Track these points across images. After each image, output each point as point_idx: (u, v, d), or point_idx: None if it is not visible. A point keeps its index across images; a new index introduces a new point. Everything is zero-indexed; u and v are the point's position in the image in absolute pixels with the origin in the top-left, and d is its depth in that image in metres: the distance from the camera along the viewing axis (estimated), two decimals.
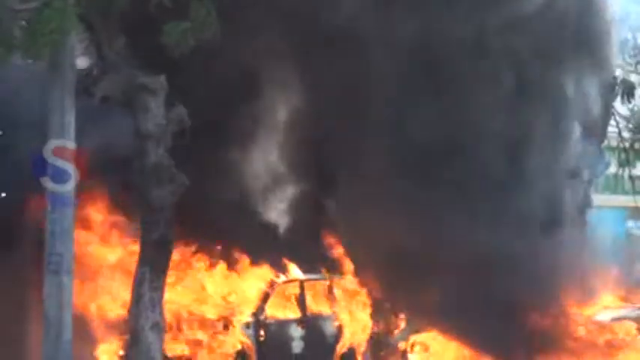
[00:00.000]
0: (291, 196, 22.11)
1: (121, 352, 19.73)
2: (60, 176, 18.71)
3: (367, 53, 20.47)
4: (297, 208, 22.03)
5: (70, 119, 17.99)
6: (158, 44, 17.88)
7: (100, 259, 20.59)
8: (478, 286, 20.63)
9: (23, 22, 16.60)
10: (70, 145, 18.51)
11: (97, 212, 20.71)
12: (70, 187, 18.92)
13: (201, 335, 19.98)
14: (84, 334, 19.69)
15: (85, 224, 20.36)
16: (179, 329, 19.93)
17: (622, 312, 22.63)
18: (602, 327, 22.15)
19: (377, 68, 20.58)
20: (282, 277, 20.86)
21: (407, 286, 21.77)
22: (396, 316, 22.39)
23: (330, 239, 22.22)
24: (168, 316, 19.37)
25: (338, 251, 22.06)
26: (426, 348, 22.30)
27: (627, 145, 26.18)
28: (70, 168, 18.58)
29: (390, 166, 20.76)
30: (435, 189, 20.56)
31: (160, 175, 19.01)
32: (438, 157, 20.65)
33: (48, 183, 18.83)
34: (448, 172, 20.67)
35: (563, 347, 21.84)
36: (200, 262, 20.80)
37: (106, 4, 17.40)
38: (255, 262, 20.83)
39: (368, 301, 21.86)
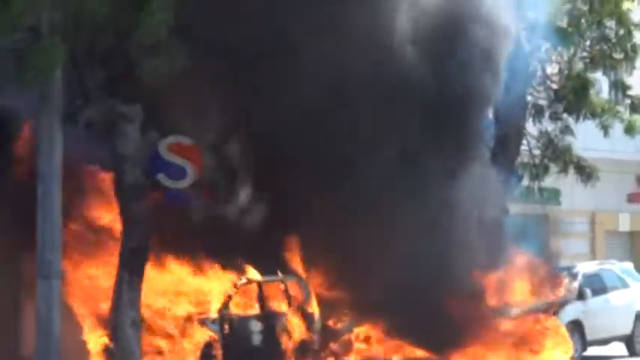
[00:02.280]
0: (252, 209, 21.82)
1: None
2: (175, 173, 18.32)
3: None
4: (257, 219, 21.75)
5: (58, 142, 17.80)
6: (134, 77, 17.81)
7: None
8: (403, 287, 20.54)
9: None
10: (186, 141, 18.06)
11: None
12: (185, 183, 18.59)
13: (173, 330, 19.78)
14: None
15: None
16: (154, 326, 19.68)
17: (533, 304, 22.59)
18: (517, 319, 22.11)
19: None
20: (243, 279, 20.64)
21: (347, 288, 21.72)
22: (341, 311, 22.29)
23: (285, 246, 21.98)
24: (145, 314, 19.23)
25: (291, 256, 21.89)
26: (368, 338, 22.25)
27: (537, 161, 26.23)
28: (187, 165, 18.19)
29: (308, 187, 20.29)
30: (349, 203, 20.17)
31: (136, 193, 18.89)
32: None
33: (164, 179, 18.44)
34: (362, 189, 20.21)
35: (480, 338, 21.78)
36: (172, 266, 20.57)
37: (89, 42, 17.30)
38: (220, 266, 20.63)
39: (316, 300, 21.72)
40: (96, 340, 19.73)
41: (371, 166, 20.25)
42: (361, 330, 22.09)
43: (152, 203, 19.12)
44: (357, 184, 20.04)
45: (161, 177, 19.25)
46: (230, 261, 20.63)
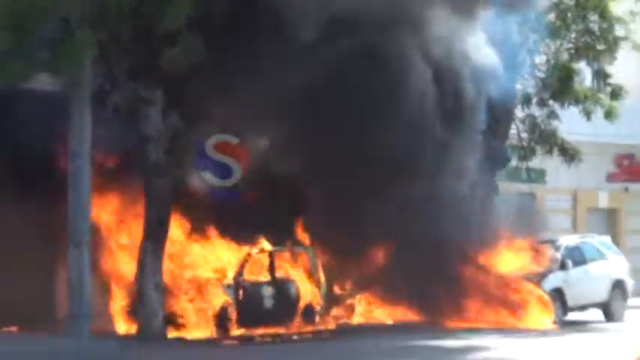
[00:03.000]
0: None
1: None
2: (221, 171, 17.81)
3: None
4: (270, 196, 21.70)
5: (88, 123, 18.02)
6: (156, 65, 17.96)
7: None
8: (404, 255, 20.69)
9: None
10: (232, 140, 17.67)
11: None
12: (231, 182, 18.07)
13: (193, 294, 19.95)
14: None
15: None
16: (176, 290, 19.86)
17: (521, 273, 22.45)
18: (509, 284, 22.23)
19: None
20: (256, 250, 20.78)
21: (352, 257, 21.83)
22: (345, 278, 22.43)
23: (295, 220, 22.03)
24: (166, 279, 19.44)
25: (300, 229, 21.98)
26: (369, 302, 22.42)
27: (525, 143, 26.32)
28: (233, 163, 17.77)
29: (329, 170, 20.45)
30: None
31: (158, 171, 19.08)
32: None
33: (210, 178, 17.93)
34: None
35: (471, 304, 21.93)
36: (193, 238, 20.72)
37: (115, 32, 17.47)
38: (235, 237, 20.79)
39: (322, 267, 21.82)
40: (122, 302, 20.01)
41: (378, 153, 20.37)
42: (363, 295, 22.31)
43: (198, 201, 18.68)
44: (363, 169, 20.08)
45: (207, 175, 18.91)
46: (245, 235, 20.77)
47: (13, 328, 19.51)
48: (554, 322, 22.10)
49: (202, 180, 18.47)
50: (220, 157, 18.81)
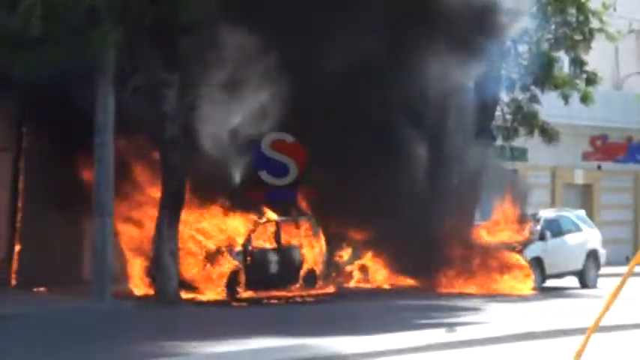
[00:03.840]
0: None
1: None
2: (277, 170, 17.27)
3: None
4: None
5: (111, 102, 18.00)
6: (173, 50, 17.89)
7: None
8: (399, 225, 20.68)
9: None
10: (289, 139, 17.08)
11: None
12: (287, 180, 17.43)
13: (206, 259, 19.92)
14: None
15: None
16: (192, 255, 19.83)
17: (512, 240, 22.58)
18: (494, 252, 22.28)
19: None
20: (264, 218, 20.77)
21: (351, 225, 21.81)
22: (344, 246, 22.45)
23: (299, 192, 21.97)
24: (181, 246, 19.44)
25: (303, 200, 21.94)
26: (366, 269, 22.46)
27: (509, 125, 26.32)
28: (289, 162, 17.27)
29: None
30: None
31: (174, 146, 19.04)
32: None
33: (266, 177, 17.32)
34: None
35: (458, 270, 21.96)
36: (205, 208, 20.66)
37: (137, 20, 17.40)
38: (244, 208, 20.75)
39: (323, 236, 21.84)
40: (140, 267, 20.02)
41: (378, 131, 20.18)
42: (361, 262, 22.34)
43: (254, 199, 18.12)
44: (365, 146, 19.85)
45: (263, 174, 18.32)
46: (252, 205, 20.72)
47: (42, 289, 19.54)
48: (534, 289, 22.20)
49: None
50: (277, 155, 18.21)
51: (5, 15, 15.99)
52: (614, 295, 9.75)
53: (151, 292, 19.18)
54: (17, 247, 20.22)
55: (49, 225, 19.90)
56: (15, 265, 20.25)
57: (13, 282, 20.20)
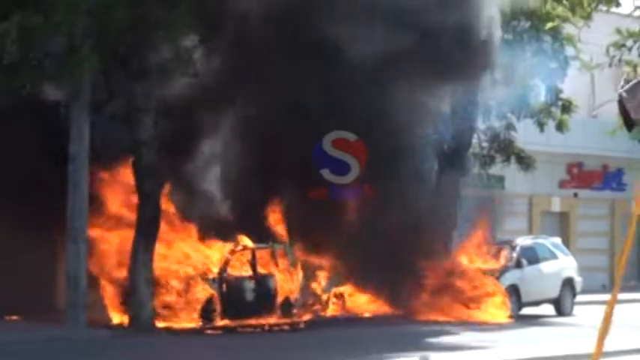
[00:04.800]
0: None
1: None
2: (339, 168, 16.88)
3: None
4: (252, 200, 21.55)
5: (86, 129, 18.01)
6: (149, 76, 17.95)
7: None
8: (376, 253, 20.68)
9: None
10: (351, 137, 16.75)
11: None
12: (349, 179, 17.15)
13: (180, 287, 19.84)
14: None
15: None
16: (167, 283, 19.76)
17: (488, 268, 22.66)
18: (471, 280, 22.31)
19: None
20: (239, 246, 20.75)
21: (330, 254, 21.80)
22: (320, 274, 22.41)
23: (274, 220, 21.98)
24: (157, 273, 19.35)
25: (279, 228, 21.93)
26: (343, 297, 22.39)
27: (485, 152, 26.44)
28: (351, 160, 16.96)
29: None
30: None
31: (150, 172, 19.03)
32: None
33: (329, 175, 17.05)
34: None
35: (437, 297, 21.97)
36: (181, 236, 20.63)
37: (113, 47, 17.44)
38: (219, 236, 20.74)
39: (300, 264, 21.81)
40: (114, 294, 19.90)
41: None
42: (338, 290, 22.30)
43: (317, 198, 17.88)
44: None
45: (325, 172, 18.04)
46: (228, 234, 20.69)
47: (15, 317, 19.38)
48: (510, 316, 22.23)
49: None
50: (338, 153, 17.93)
51: None
52: (607, 324, 9.62)
53: (126, 320, 19.07)
54: None
55: (21, 251, 19.76)
56: None
57: None
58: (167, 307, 19.60)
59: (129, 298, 19.06)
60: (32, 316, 18.96)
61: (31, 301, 19.41)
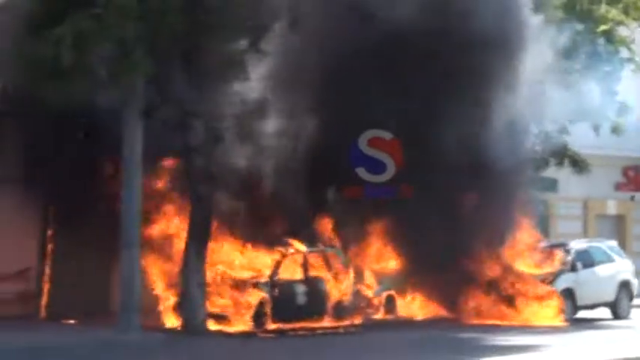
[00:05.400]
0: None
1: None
2: (375, 167, 16.96)
3: None
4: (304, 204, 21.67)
5: (139, 134, 18.18)
6: (202, 81, 18.12)
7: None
8: (436, 255, 20.66)
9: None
10: (387, 135, 16.83)
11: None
12: (385, 177, 17.21)
13: (233, 291, 19.95)
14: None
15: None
16: (218, 287, 19.89)
17: (542, 271, 22.58)
18: (525, 284, 22.18)
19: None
20: (291, 250, 20.73)
21: (383, 257, 21.80)
22: (372, 278, 22.43)
23: (325, 224, 22.09)
24: (209, 278, 19.48)
25: (331, 232, 22.00)
26: (394, 300, 22.35)
27: (538, 155, 26.19)
28: (386, 159, 17.07)
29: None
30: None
31: (202, 176, 19.13)
32: None
33: (364, 174, 17.18)
34: None
35: (491, 301, 21.89)
36: (231, 239, 20.75)
37: (166, 52, 17.63)
38: (272, 240, 20.83)
39: (351, 267, 21.86)
40: (168, 298, 20.11)
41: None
42: (389, 293, 22.29)
43: (352, 197, 17.92)
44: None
45: (360, 171, 18.11)
46: (280, 238, 20.81)
47: (72, 321, 19.69)
48: (565, 320, 22.07)
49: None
50: (374, 152, 18.00)
51: (36, 43, 16.24)
52: None
53: (180, 323, 19.22)
54: (47, 279, 20.39)
55: (78, 256, 20.09)
56: (45, 297, 20.42)
57: (43, 314, 20.37)
58: (219, 310, 19.70)
59: (182, 302, 19.20)
60: (88, 320, 19.24)
61: (88, 304, 19.75)
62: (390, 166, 18.29)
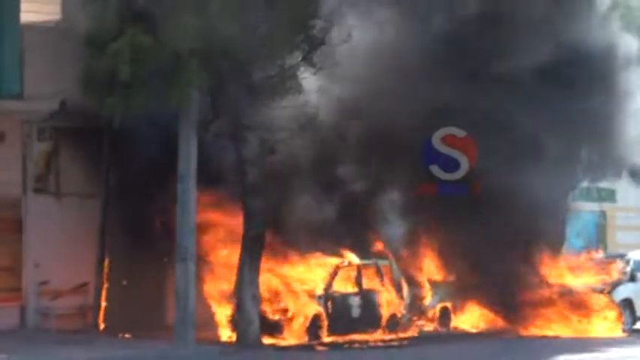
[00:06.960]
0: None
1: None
2: (449, 165, 17.12)
3: None
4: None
5: (194, 148, 18.42)
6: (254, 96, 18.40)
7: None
8: (487, 270, 20.69)
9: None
10: (460, 133, 16.88)
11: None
12: (459, 175, 17.24)
13: (288, 304, 20.18)
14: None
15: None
16: (274, 300, 20.15)
17: (593, 283, 22.58)
18: (576, 295, 22.16)
19: None
20: (345, 262, 20.94)
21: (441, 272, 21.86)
22: (426, 290, 22.52)
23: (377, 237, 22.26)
24: (264, 290, 19.69)
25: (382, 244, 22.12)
26: (448, 312, 22.42)
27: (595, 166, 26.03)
28: (460, 156, 17.15)
29: None
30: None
31: (255, 190, 19.42)
32: None
33: (438, 171, 17.29)
34: None
35: (548, 313, 21.88)
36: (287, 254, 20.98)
37: (220, 69, 17.92)
38: (326, 253, 21.04)
39: (405, 280, 21.97)
40: (223, 312, 20.38)
41: None
42: (443, 305, 22.35)
43: (426, 194, 17.93)
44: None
45: (434, 169, 18.15)
46: (333, 250, 20.99)
47: (128, 335, 20.04)
48: (624, 331, 22.00)
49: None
50: (448, 150, 18.02)
51: (95, 57, 16.60)
52: None
53: (234, 337, 19.46)
54: (104, 294, 20.75)
55: (134, 271, 20.42)
56: (102, 312, 20.81)
57: (101, 328, 20.75)
58: (274, 323, 19.90)
59: (236, 315, 19.45)
60: (144, 334, 19.57)
61: (144, 318, 20.07)
62: (464, 163, 18.18)
